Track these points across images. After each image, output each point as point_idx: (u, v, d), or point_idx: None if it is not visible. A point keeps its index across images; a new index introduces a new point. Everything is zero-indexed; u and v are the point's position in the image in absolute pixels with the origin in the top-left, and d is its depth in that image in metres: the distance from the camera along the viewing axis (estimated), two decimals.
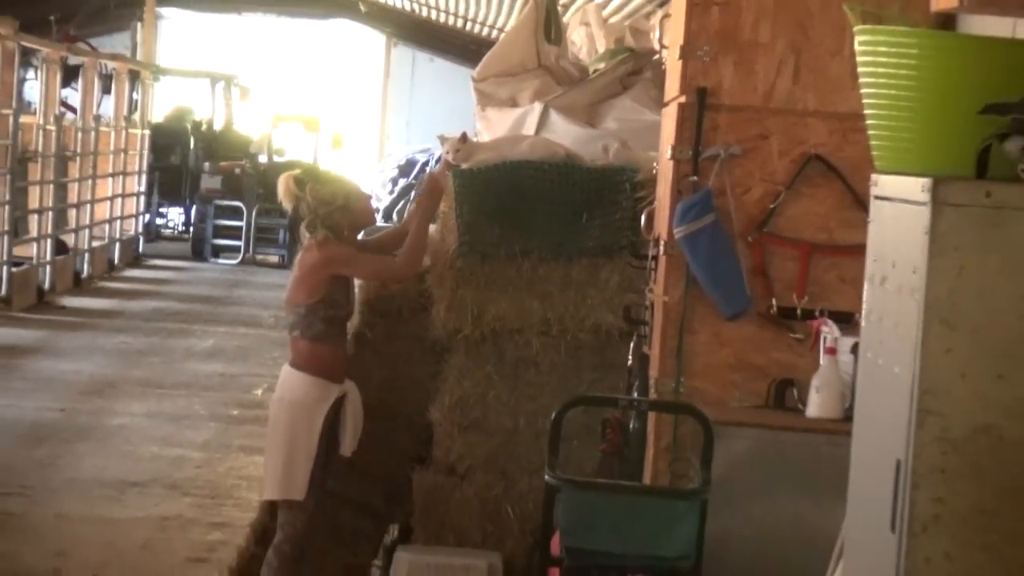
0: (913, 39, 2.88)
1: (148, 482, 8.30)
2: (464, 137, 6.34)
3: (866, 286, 2.98)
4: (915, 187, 2.67)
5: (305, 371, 5.64)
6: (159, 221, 24.21)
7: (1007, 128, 2.67)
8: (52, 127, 16.15)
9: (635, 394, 5.34)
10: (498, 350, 6.12)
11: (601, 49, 8.01)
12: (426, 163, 20.38)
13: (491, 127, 7.19)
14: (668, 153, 5.21)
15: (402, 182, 20.78)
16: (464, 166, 6.22)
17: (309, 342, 5.62)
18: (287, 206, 5.84)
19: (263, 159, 22.48)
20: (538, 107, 6.96)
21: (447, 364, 6.18)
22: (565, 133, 6.71)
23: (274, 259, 21.60)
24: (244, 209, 21.27)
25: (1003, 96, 2.72)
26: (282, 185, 5.79)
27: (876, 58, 2.92)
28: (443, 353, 6.21)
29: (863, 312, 3.01)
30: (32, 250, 15.68)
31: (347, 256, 5.66)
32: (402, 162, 22.66)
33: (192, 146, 23.52)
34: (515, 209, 6.09)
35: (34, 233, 15.79)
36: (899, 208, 2.78)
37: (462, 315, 6.09)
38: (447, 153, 6.30)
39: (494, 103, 7.30)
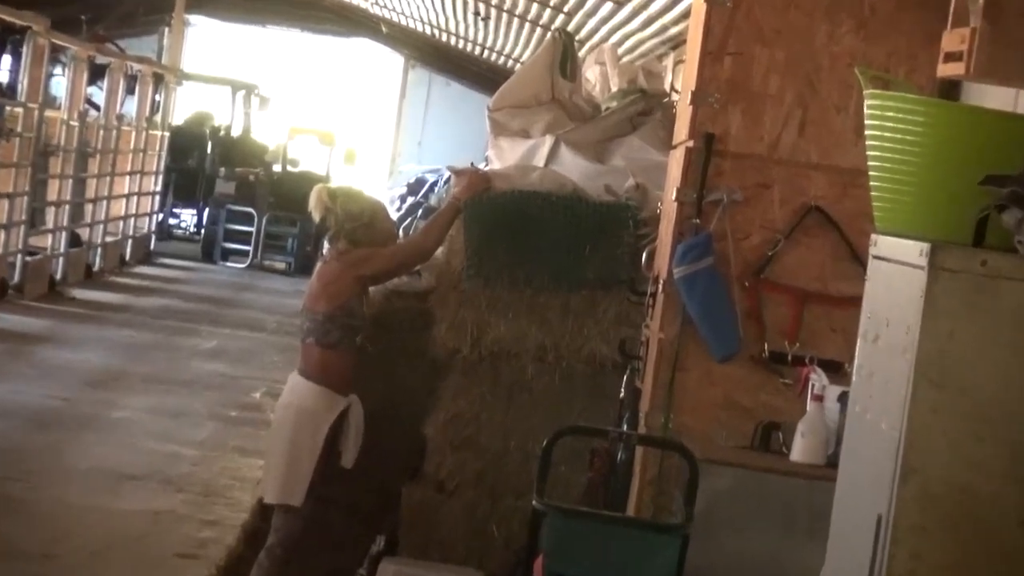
0: (921, 107, 2.89)
1: (144, 476, 8.30)
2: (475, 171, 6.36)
3: (859, 342, 2.98)
4: (914, 251, 2.68)
5: (315, 381, 5.67)
6: (172, 221, 24.25)
7: (1005, 199, 2.67)
8: (75, 123, 16.17)
9: (625, 425, 5.33)
10: (494, 372, 6.12)
11: (614, 88, 8.02)
12: (435, 183, 20.40)
13: (502, 156, 7.19)
14: (673, 194, 5.22)
15: (410, 200, 20.77)
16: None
17: (322, 350, 5.66)
18: (316, 216, 5.90)
19: (277, 168, 22.52)
20: (549, 140, 6.96)
21: (444, 382, 6.18)
22: (574, 167, 6.71)
23: (281, 266, 21.64)
24: (255, 215, 21.30)
25: (1002, 168, 2.73)
26: (315, 196, 5.87)
27: (884, 122, 2.93)
28: (441, 371, 6.20)
29: (855, 367, 3.01)
30: (47, 241, 15.69)
31: (367, 254, 5.75)
32: (412, 180, 22.70)
33: (209, 151, 23.57)
34: (521, 237, 6.09)
35: (50, 225, 15.82)
36: (896, 269, 2.79)
37: (462, 336, 6.09)
38: (455, 187, 6.32)
39: (507, 133, 7.30)
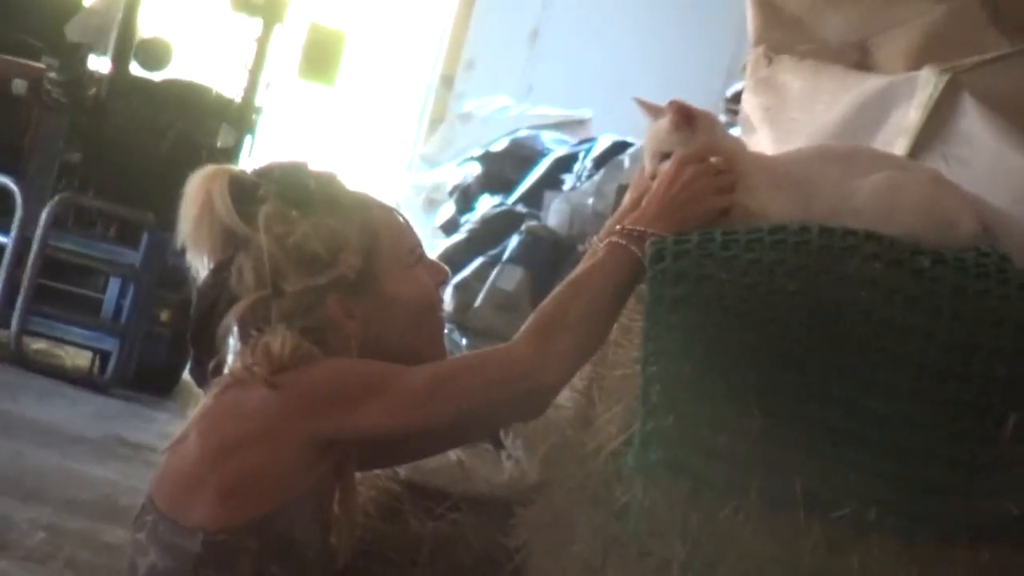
0: None
1: None
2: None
3: None
4: None
5: None
6: None
7: None
8: None
9: None
10: None
11: None
12: (570, 159, 20.45)
13: (782, 112, 7.38)
14: None
15: (487, 202, 20.76)
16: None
17: None
18: (200, 258, 6.16)
19: (101, 61, 22.97)
20: (931, 80, 7.12)
21: None
22: (995, 168, 6.86)
23: (80, 360, 22.01)
24: (19, 199, 21.69)
25: None
26: (198, 194, 6.13)
27: None
28: None
29: None
30: None
31: (356, 376, 6.00)
32: (502, 145, 22.70)
33: None
34: (803, 368, 6.26)
35: None
36: None
37: None
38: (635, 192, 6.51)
39: (803, 45, 7.50)
